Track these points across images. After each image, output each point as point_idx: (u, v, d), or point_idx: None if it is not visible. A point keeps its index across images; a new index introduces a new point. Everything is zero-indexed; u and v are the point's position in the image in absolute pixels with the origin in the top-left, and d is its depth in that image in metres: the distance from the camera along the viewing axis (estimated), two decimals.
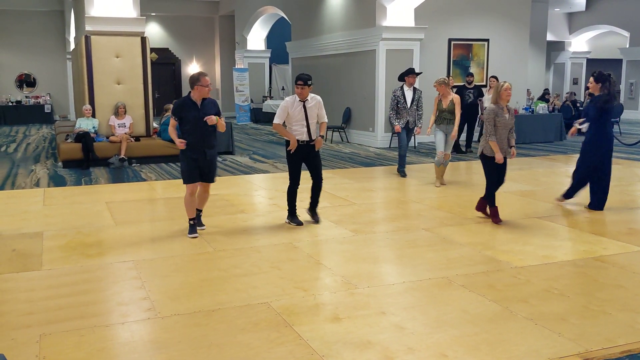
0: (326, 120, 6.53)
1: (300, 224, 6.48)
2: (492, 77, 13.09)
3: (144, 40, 11.62)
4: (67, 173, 10.30)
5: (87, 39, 11.25)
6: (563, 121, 14.86)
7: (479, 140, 7.33)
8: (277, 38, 22.08)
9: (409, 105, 9.33)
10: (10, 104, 22.17)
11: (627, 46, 22.47)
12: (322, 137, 6.48)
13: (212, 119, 5.85)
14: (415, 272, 4.94)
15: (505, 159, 6.53)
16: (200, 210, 6.34)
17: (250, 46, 22.31)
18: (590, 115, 7.04)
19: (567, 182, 7.78)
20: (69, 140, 11.15)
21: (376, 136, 13.75)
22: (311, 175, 6.52)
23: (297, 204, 6.58)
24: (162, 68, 23.54)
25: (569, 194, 7.44)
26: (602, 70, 7.12)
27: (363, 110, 14.16)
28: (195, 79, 5.86)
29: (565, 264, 5.16)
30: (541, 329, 3.82)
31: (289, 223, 6.56)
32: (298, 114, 6.29)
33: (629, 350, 3.55)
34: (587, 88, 8.51)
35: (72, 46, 17.85)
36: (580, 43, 25.17)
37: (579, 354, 3.49)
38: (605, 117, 6.99)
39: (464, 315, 4.04)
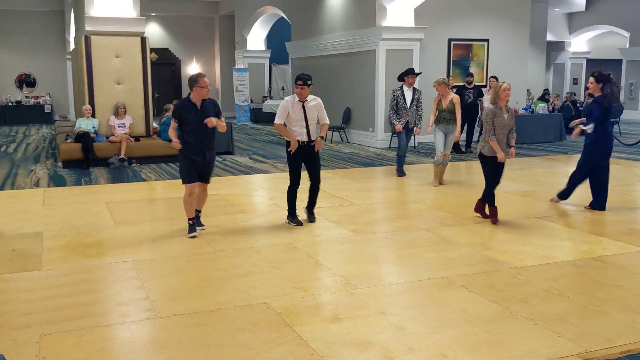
0: (327, 122, 6.53)
1: (300, 224, 6.49)
2: (492, 77, 13.09)
3: (143, 40, 11.62)
4: (67, 173, 10.30)
5: (87, 39, 11.25)
6: (563, 121, 14.85)
7: (478, 140, 7.33)
8: (277, 38, 22.08)
9: (408, 105, 9.33)
10: (10, 104, 22.17)
11: (627, 46, 22.47)
12: (323, 138, 6.48)
13: (211, 122, 5.84)
14: (415, 272, 4.94)
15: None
16: (199, 211, 6.35)
17: (250, 46, 22.32)
18: (596, 115, 6.92)
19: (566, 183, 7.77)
20: (69, 141, 11.16)
21: (376, 136, 13.75)
22: (309, 177, 6.53)
23: (297, 204, 6.58)
24: (162, 68, 23.54)
25: (565, 194, 7.41)
26: (602, 70, 7.10)
27: (363, 110, 14.16)
28: (193, 81, 5.86)
29: (565, 264, 5.16)
30: (541, 329, 3.82)
31: (288, 223, 6.56)
32: (297, 115, 6.29)
33: (628, 351, 3.55)
34: (587, 88, 8.49)
35: (72, 46, 17.86)
36: (580, 43, 25.17)
37: (578, 354, 3.50)
38: (607, 117, 6.98)
39: (463, 316, 4.04)
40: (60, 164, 10.98)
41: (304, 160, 6.45)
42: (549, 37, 22.98)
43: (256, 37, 22.22)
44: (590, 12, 23.38)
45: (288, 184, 6.54)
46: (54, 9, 22.59)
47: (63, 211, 7.31)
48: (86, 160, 10.76)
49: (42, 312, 4.13)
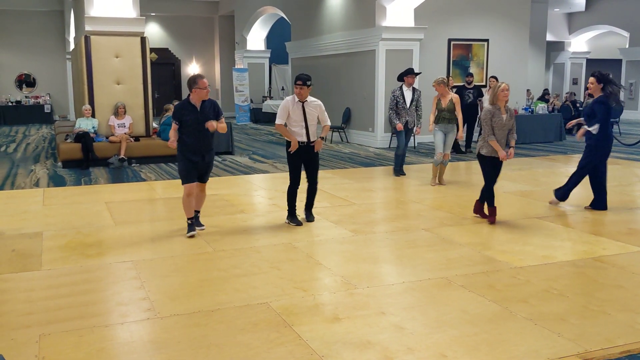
0: (329, 124, 6.53)
1: (299, 224, 6.49)
2: (492, 77, 13.10)
3: (143, 40, 11.62)
4: (66, 173, 10.30)
5: (87, 39, 11.25)
6: (563, 121, 14.86)
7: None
8: (277, 38, 22.08)
9: (408, 105, 9.33)
10: (10, 104, 22.17)
11: (627, 46, 22.47)
12: (323, 138, 6.48)
13: (212, 126, 5.85)
14: (415, 273, 4.94)
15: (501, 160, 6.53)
16: (198, 211, 6.35)
17: (250, 46, 22.32)
18: (600, 115, 6.88)
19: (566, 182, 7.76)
20: (69, 140, 11.15)
21: (376, 136, 13.75)
22: (307, 178, 6.53)
23: (296, 204, 6.58)
24: (162, 68, 23.54)
25: (564, 195, 7.39)
26: (602, 70, 7.08)
27: (363, 110, 14.16)
28: (192, 82, 5.85)
29: (565, 264, 5.16)
30: (541, 329, 3.82)
31: (288, 223, 6.56)
32: (297, 115, 6.29)
33: (628, 351, 3.55)
34: (587, 88, 8.47)
35: (72, 46, 17.85)
36: (580, 43, 25.17)
37: (578, 354, 3.49)
38: (608, 117, 6.97)
39: (463, 316, 4.04)
40: (60, 164, 10.98)
41: (304, 160, 6.45)
42: (549, 37, 22.99)
43: (256, 37, 22.22)
44: (590, 12, 23.38)
45: (288, 184, 6.55)
46: (54, 9, 22.58)
47: (63, 211, 7.31)
48: (86, 160, 10.76)
49: (41, 312, 4.13)
